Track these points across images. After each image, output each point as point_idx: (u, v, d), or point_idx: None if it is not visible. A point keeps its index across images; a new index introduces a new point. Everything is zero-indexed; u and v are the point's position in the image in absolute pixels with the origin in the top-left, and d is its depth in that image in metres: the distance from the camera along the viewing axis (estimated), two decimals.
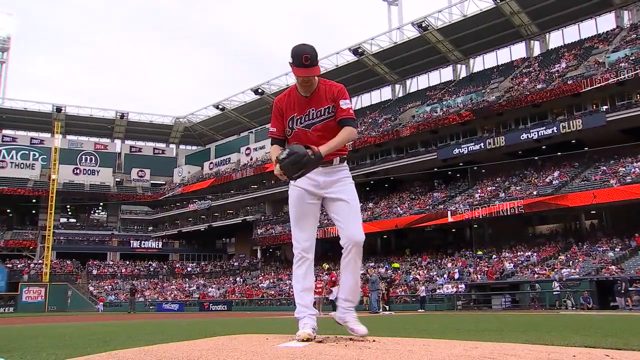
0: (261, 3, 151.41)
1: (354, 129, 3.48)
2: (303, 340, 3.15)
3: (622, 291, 22.78)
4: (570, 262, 29.00)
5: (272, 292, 41.46)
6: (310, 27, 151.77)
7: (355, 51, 50.67)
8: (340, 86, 3.52)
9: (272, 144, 3.61)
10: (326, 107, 3.45)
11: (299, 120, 3.46)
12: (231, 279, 50.90)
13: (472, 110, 38.79)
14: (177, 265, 59.41)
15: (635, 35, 37.47)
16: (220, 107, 65.26)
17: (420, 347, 2.94)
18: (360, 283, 3.55)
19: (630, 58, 33.35)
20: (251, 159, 58.97)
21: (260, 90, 59.81)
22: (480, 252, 35.01)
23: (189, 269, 58.36)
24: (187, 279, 54.55)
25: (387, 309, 23.06)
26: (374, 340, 3.28)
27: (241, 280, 49.22)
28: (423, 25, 46.31)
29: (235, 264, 56.57)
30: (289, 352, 2.72)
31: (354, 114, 3.59)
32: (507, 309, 26.13)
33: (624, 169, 31.45)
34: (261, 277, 47.60)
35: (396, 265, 36.41)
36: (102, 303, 43.16)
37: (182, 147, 76.24)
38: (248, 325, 10.53)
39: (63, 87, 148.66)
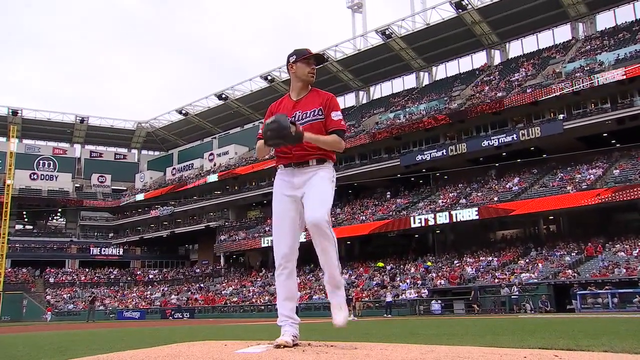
0: (227, 10, 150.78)
1: (342, 141, 3.49)
2: (279, 346, 3.13)
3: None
4: (530, 267, 29.66)
5: (236, 299, 41.08)
6: (276, 33, 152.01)
7: None
8: (330, 95, 3.56)
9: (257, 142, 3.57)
10: (312, 110, 3.47)
11: None
12: (194, 286, 50.23)
13: (434, 118, 39.34)
14: (138, 273, 58.30)
15: (589, 47, 38.79)
16: (183, 112, 64.59)
17: (378, 352, 2.97)
18: (336, 266, 3.43)
19: (585, 68, 34.47)
20: (214, 165, 58.43)
21: (224, 96, 59.48)
22: (429, 264, 35.33)
23: (150, 276, 57.33)
24: (149, 287, 53.58)
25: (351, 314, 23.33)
26: (332, 346, 3.29)
27: (203, 287, 48.62)
28: (387, 33, 46.90)
29: (198, 270, 55.87)
30: (245, 357, 2.71)
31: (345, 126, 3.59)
32: (461, 313, 26.62)
33: (580, 175, 32.40)
34: (224, 284, 47.13)
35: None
36: (49, 312, 41.57)
37: (144, 152, 75.06)
38: (209, 333, 10.41)
39: (19, 90, 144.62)
